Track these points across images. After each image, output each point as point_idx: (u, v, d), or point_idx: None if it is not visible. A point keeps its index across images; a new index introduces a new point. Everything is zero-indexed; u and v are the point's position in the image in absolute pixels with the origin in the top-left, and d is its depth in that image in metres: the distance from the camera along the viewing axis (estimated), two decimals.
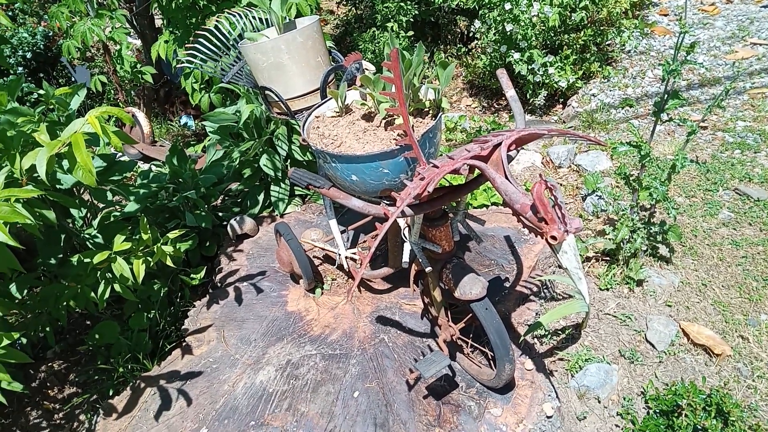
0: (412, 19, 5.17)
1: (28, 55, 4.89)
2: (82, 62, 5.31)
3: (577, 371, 2.11)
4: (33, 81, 5.02)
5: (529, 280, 2.38)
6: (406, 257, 1.77)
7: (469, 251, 2.55)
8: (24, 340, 2.49)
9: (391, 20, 5.15)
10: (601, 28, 4.57)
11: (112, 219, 2.70)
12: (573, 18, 4.21)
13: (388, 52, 1.86)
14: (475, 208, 3.03)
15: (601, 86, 4.55)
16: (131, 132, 4.29)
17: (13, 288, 2.27)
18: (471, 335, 2.03)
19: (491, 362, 1.99)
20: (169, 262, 2.20)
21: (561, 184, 3.32)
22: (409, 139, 1.58)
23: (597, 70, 4.60)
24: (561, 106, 4.63)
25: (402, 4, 5.13)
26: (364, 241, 2.50)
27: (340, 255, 2.36)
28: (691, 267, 2.50)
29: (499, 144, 1.31)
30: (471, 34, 5.66)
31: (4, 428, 2.27)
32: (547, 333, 2.27)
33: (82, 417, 2.30)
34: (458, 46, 5.65)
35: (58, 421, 2.30)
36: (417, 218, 1.65)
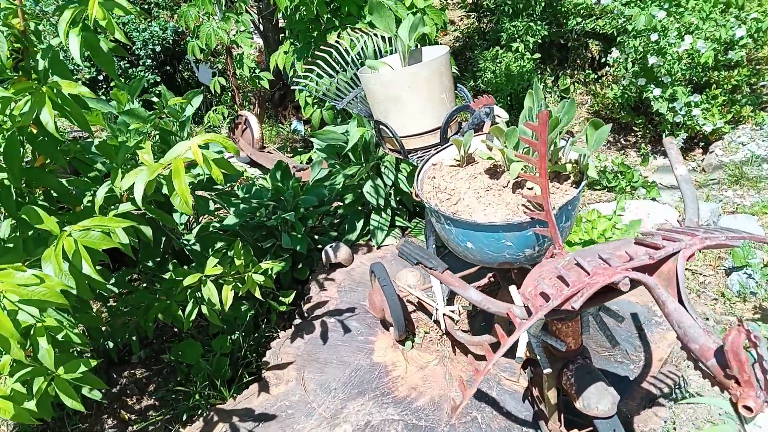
0: (540, 41, 4.82)
1: (158, 48, 5.08)
2: (206, 59, 5.45)
3: None
4: (160, 74, 5.20)
5: (658, 377, 2.00)
6: (520, 353, 1.48)
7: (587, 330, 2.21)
8: (111, 344, 2.49)
9: (518, 40, 4.83)
10: (758, 67, 3.99)
11: (210, 229, 2.65)
12: (729, 56, 3.68)
13: (533, 111, 1.60)
14: None
15: (753, 134, 3.96)
16: (243, 136, 4.31)
17: (112, 283, 2.30)
18: None
19: None
20: (257, 294, 2.08)
21: (699, 251, 2.86)
22: (546, 215, 1.31)
23: (749, 114, 4.01)
24: (701, 150, 4.11)
25: (531, 23, 4.79)
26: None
27: (437, 310, 2.12)
28: None
29: (675, 253, 1.00)
30: (603, 60, 5.20)
31: None
32: None
33: None
34: (587, 71, 5.22)
35: None
36: None
